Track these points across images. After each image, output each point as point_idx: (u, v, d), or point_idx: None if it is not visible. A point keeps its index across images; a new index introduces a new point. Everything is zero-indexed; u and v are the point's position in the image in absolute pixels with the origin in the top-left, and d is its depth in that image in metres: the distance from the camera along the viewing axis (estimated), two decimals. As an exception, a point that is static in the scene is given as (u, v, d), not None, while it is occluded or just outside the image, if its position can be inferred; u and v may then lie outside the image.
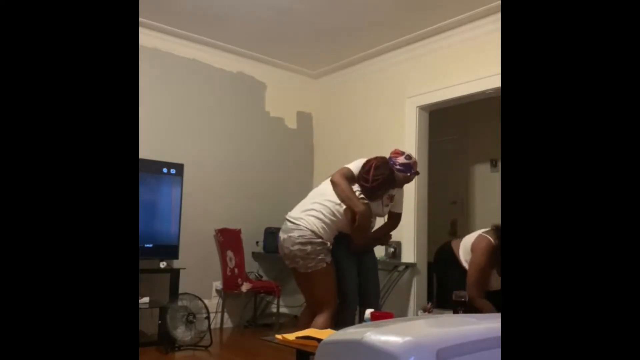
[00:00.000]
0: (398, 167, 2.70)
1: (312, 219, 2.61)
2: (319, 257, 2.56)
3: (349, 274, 2.77)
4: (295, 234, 2.58)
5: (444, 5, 3.55)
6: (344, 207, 2.60)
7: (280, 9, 3.67)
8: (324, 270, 2.57)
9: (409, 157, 2.74)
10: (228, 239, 4.26)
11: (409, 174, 2.72)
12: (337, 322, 2.76)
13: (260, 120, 4.71)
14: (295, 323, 3.30)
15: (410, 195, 4.09)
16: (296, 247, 2.56)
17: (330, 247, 2.60)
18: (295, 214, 2.67)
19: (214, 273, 4.23)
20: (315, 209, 2.63)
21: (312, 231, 2.57)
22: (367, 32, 4.05)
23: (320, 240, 2.56)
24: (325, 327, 2.50)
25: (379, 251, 4.12)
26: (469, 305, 2.50)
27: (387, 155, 2.77)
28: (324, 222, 2.60)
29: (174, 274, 3.65)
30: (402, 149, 2.81)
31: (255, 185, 4.58)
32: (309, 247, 2.56)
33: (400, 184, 2.79)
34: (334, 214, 2.60)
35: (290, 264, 2.63)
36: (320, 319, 2.60)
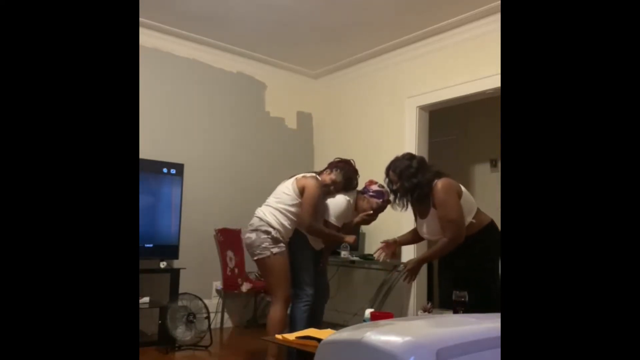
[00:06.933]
0: (371, 193, 2.94)
1: (266, 208, 2.77)
2: (263, 246, 2.67)
3: (307, 271, 2.88)
4: (252, 222, 2.78)
5: (444, 5, 3.55)
6: (296, 210, 2.76)
7: (280, 9, 3.67)
8: (269, 259, 2.67)
9: (381, 186, 2.93)
10: (228, 239, 4.25)
11: (380, 201, 2.92)
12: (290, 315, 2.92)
13: (260, 120, 4.71)
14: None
15: (410, 195, 4.09)
16: (245, 235, 2.77)
17: (280, 238, 2.70)
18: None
19: (214, 273, 4.23)
20: (272, 205, 2.77)
21: (259, 218, 2.72)
22: (367, 32, 4.05)
23: (265, 229, 2.67)
24: (277, 319, 2.67)
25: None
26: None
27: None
28: (279, 218, 2.73)
29: (174, 274, 3.65)
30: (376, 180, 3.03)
31: (256, 185, 4.56)
32: (253, 235, 2.70)
33: (367, 207, 2.96)
34: (289, 218, 2.74)
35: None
36: (272, 309, 2.74)
